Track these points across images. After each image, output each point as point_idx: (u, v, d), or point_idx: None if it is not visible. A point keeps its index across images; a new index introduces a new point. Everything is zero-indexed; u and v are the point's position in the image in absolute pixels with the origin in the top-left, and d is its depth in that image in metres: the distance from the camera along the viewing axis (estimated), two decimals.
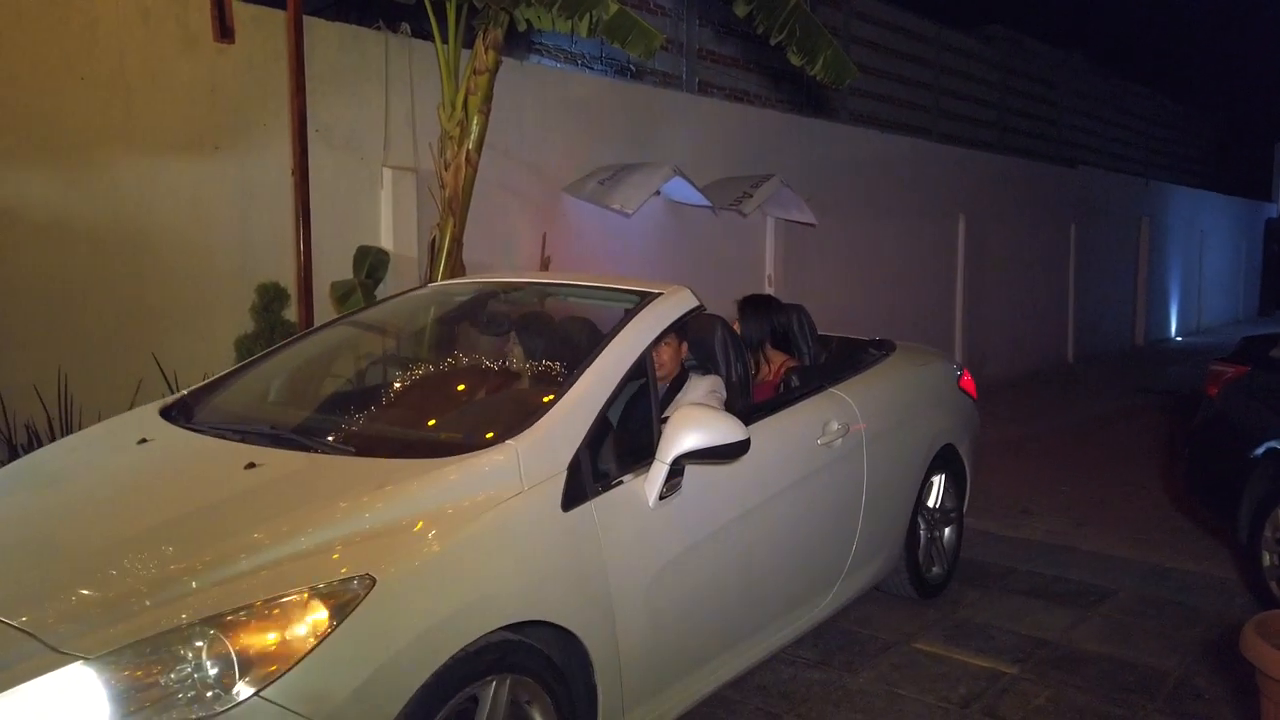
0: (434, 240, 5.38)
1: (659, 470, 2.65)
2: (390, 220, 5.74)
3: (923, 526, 4.25)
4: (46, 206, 4.53)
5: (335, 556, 2.08)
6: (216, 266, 5.07)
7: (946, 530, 4.45)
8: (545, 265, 6.34)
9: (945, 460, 4.33)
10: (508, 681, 2.25)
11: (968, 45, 12.67)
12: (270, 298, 5.09)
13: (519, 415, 2.59)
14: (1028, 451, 7.96)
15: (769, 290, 8.55)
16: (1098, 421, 9.53)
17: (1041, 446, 8.21)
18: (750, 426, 2.84)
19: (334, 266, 5.31)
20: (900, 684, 3.58)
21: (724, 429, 2.67)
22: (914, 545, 4.18)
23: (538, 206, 6.63)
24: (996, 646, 3.93)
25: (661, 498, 2.66)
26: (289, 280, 5.14)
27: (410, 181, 5.79)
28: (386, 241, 5.70)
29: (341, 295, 5.14)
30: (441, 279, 5.02)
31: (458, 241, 5.28)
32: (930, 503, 4.33)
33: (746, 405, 3.44)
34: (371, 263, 5.34)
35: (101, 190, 4.69)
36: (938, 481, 4.37)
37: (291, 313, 5.03)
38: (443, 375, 3.22)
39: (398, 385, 3.16)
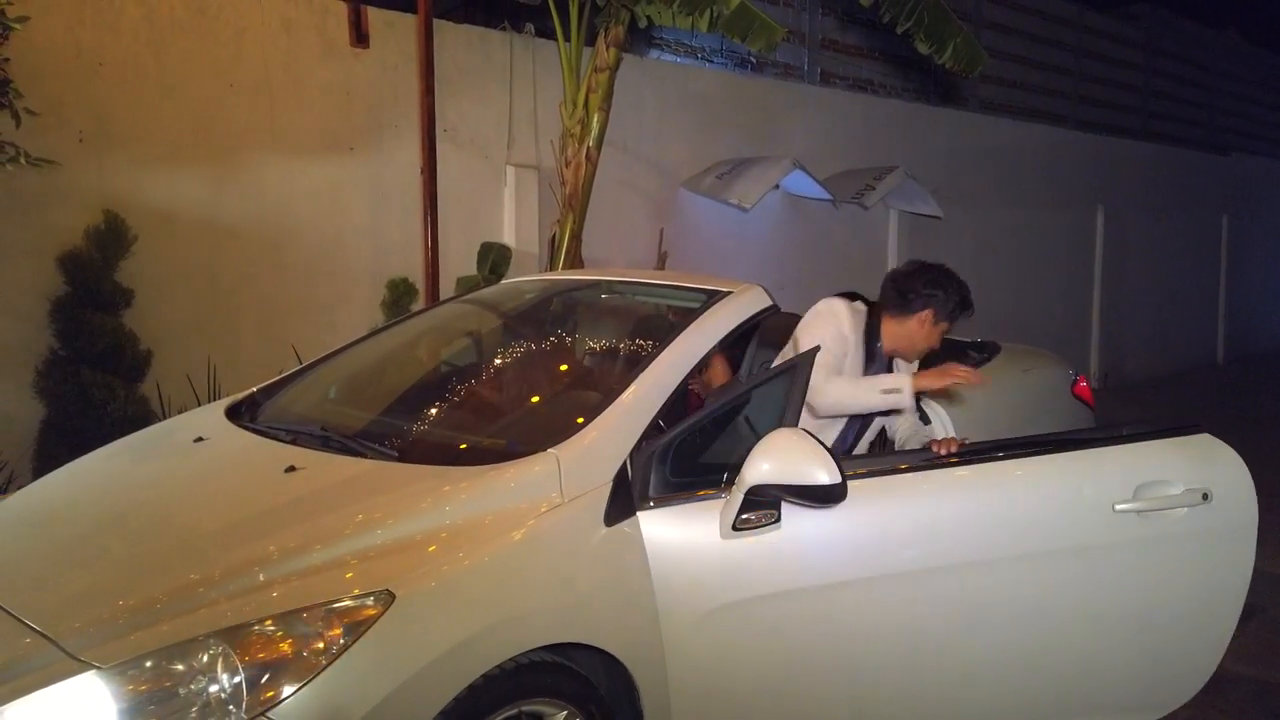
0: (554, 236, 5.49)
1: (734, 497, 2.33)
2: (513, 217, 5.89)
3: None
4: (198, 207, 4.84)
5: (350, 574, 2.01)
6: (351, 262, 5.32)
7: None
8: (662, 261, 6.38)
9: None
10: (544, 706, 2.14)
11: (1109, 26, 12.02)
12: (400, 292, 5.33)
13: (565, 422, 2.43)
14: None
15: None
16: (1246, 426, 8.90)
17: None
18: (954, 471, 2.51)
19: (459, 262, 5.49)
20: None
21: (809, 467, 2.26)
22: None
23: (656, 202, 6.67)
24: None
25: (738, 529, 2.33)
26: (417, 276, 5.36)
27: (532, 178, 5.92)
28: (509, 238, 5.85)
29: (466, 291, 5.30)
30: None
31: (577, 238, 5.38)
32: None
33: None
34: (494, 259, 5.50)
35: (247, 191, 4.98)
36: None
37: (419, 307, 5.23)
38: (502, 378, 3.12)
39: (457, 387, 3.09)
